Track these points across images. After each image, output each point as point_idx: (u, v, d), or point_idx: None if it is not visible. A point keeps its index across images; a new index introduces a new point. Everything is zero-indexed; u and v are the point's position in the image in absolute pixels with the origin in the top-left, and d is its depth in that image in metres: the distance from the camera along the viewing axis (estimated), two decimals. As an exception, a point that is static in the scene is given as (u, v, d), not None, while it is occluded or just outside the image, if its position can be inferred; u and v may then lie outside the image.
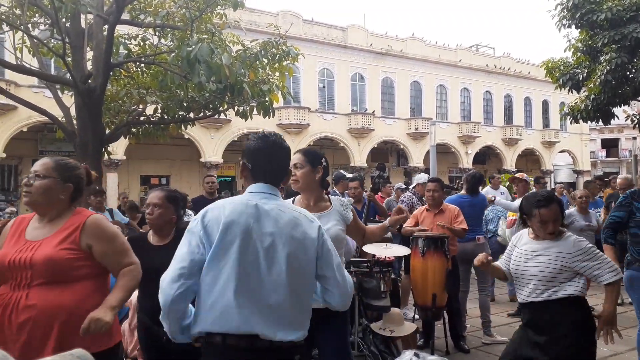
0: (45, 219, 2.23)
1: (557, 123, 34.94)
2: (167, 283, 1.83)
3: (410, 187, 7.79)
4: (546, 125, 35.87)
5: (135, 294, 3.10)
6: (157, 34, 7.91)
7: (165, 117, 8.14)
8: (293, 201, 2.91)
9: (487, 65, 32.85)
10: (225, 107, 7.91)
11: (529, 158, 35.84)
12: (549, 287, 2.79)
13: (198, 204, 5.63)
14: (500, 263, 3.17)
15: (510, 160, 33.03)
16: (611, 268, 2.77)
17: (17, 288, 2.05)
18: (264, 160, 2.05)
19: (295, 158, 2.79)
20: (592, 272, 2.78)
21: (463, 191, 5.84)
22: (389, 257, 4.73)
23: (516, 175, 6.86)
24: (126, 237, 2.62)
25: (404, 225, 5.33)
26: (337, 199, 3.02)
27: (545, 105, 36.00)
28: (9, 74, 17.02)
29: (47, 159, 2.29)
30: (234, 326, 1.82)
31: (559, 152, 36.28)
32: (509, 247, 3.15)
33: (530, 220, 2.91)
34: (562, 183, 15.97)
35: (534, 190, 6.89)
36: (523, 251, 2.94)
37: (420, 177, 7.14)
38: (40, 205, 2.21)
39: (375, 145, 27.83)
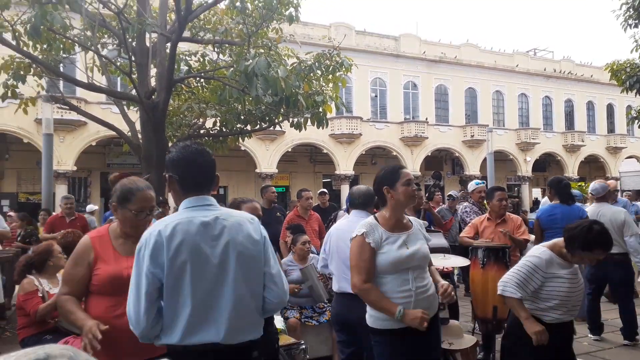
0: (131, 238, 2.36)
1: (623, 127, 33.24)
2: (140, 315, 1.87)
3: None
4: (611, 130, 34.13)
5: None
6: (216, 49, 8.22)
7: (224, 129, 8.43)
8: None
9: (545, 69, 31.74)
10: (281, 119, 8.09)
11: (592, 165, 34.17)
12: None
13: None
14: None
15: (572, 168, 31.62)
16: None
17: None
18: (191, 170, 2.00)
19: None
20: None
21: (555, 200, 5.33)
22: (447, 268, 4.67)
23: None
24: None
25: (461, 235, 5.23)
26: (413, 219, 2.90)
27: (610, 109, 34.29)
28: (79, 92, 18.10)
29: (152, 192, 2.37)
30: (195, 339, 1.88)
31: (626, 157, 34.24)
32: None
33: None
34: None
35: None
36: None
37: (471, 185, 6.83)
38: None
39: (429, 154, 27.40)
